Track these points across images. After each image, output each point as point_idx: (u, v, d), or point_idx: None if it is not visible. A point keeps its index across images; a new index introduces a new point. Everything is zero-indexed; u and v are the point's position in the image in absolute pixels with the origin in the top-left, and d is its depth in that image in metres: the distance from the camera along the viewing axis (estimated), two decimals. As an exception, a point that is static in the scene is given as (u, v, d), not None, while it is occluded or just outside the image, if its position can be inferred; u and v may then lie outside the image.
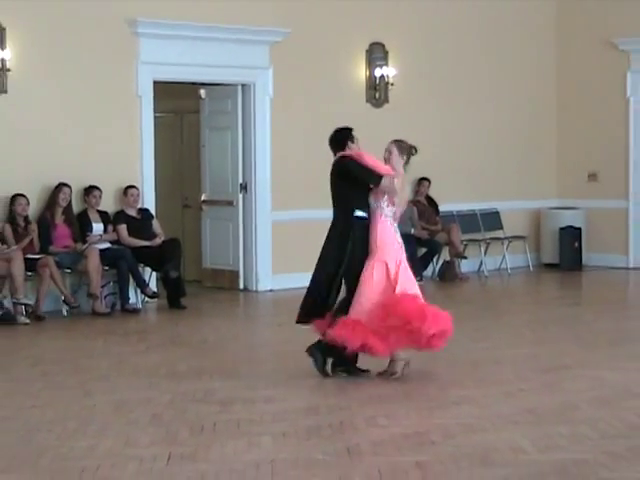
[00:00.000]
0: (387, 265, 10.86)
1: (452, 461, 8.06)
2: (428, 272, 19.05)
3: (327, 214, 17.93)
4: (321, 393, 10.42)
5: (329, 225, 17.20)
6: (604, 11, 20.64)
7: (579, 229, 20.63)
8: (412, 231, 18.59)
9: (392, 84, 18.97)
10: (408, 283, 10.95)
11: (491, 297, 18.10)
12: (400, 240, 11.08)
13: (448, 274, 19.17)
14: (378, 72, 18.88)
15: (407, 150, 11.35)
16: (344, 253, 11.03)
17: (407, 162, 11.31)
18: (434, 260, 19.19)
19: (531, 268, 20.57)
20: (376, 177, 10.95)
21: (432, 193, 19.34)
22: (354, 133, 11.77)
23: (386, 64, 18.95)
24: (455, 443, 8.57)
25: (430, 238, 18.88)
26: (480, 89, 20.20)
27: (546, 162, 21.26)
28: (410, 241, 18.41)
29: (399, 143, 11.45)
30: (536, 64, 21.03)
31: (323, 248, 11.47)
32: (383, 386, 10.65)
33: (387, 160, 11.25)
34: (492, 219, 20.38)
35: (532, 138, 21.04)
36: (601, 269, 20.52)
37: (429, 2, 19.40)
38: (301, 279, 17.73)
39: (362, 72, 18.86)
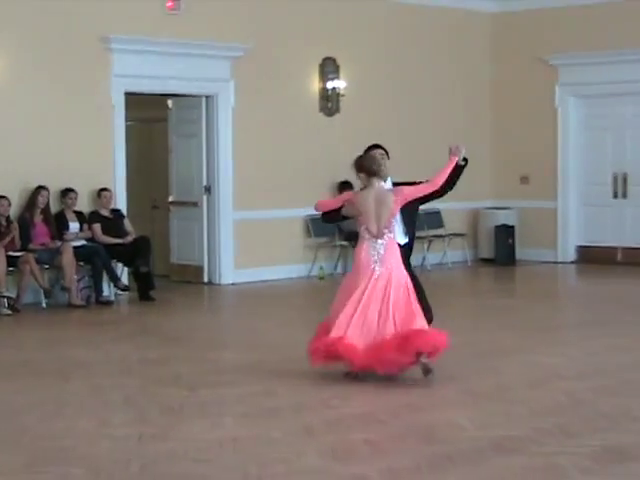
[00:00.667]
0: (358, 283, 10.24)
1: (398, 438, 8.10)
2: (376, 266, 19.05)
3: (284, 213, 18.16)
4: (279, 378, 10.40)
5: (287, 223, 17.44)
6: (535, 30, 20.74)
7: (512, 227, 20.73)
8: (361, 229, 18.63)
9: (343, 95, 19.01)
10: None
11: (433, 289, 18.05)
12: (375, 259, 10.22)
13: (394, 268, 19.18)
14: (330, 84, 18.91)
15: (362, 166, 10.46)
16: None
17: (371, 174, 10.37)
18: (381, 256, 19.20)
19: (469, 263, 20.65)
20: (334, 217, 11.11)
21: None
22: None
23: (337, 77, 18.99)
24: (401, 422, 8.60)
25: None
26: (422, 100, 20.25)
27: (482, 167, 21.31)
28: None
29: (354, 161, 10.55)
30: (473, 77, 21.10)
31: None
32: (336, 370, 10.66)
33: None
34: (434, 218, 20.40)
35: (469, 145, 20.92)
36: (532, 263, 20.62)
37: (376, 21, 19.42)
38: (261, 273, 17.89)
39: (315, 84, 18.87)
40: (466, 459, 7.49)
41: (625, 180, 20.28)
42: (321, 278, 18.36)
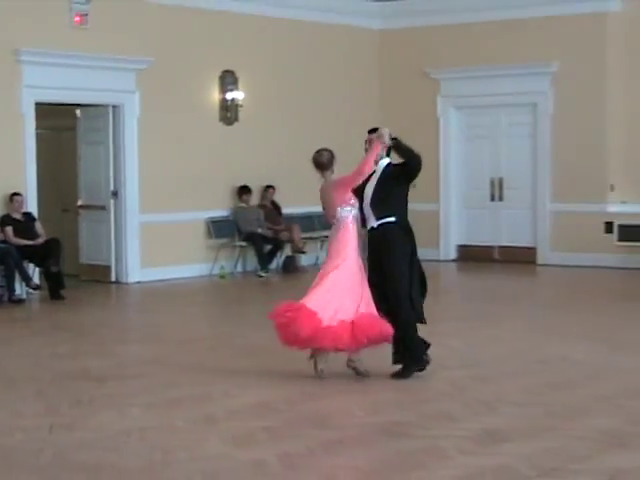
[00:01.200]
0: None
1: (294, 425, 8.11)
2: (273, 265, 19.07)
3: (187, 216, 18.09)
4: (182, 370, 10.36)
5: (189, 225, 17.27)
6: (418, 46, 20.92)
7: (399, 228, 20.84)
8: (259, 231, 18.66)
9: (241, 105, 18.99)
10: None
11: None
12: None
13: (290, 267, 19.22)
14: (229, 95, 18.88)
15: (314, 163, 10.56)
16: None
17: (319, 168, 10.58)
18: (278, 255, 19.23)
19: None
20: None
21: (276, 198, 19.38)
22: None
23: (236, 88, 18.97)
24: (297, 410, 8.62)
25: (275, 236, 18.92)
26: (316, 110, 20.30)
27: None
28: (257, 239, 18.55)
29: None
30: (361, 89, 21.20)
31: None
32: (236, 362, 10.65)
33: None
34: (309, 222, 20.37)
35: (360, 152, 21.13)
36: (418, 261, 20.74)
37: (272, 37, 19.44)
38: (165, 272, 17.78)
39: (216, 95, 18.83)
40: (357, 443, 7.54)
41: (501, 184, 20.53)
42: (222, 277, 18.31)
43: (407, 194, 10.05)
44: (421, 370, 9.73)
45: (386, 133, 10.09)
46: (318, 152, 10.44)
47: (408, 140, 20.37)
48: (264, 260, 18.61)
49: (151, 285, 17.25)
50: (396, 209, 9.94)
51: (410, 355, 9.72)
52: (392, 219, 9.90)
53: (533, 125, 20.13)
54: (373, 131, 10.40)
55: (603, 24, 19.23)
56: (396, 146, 10.09)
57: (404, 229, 9.99)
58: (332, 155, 10.49)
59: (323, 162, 10.37)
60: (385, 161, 10.16)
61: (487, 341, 11.84)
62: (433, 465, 6.99)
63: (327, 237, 19.79)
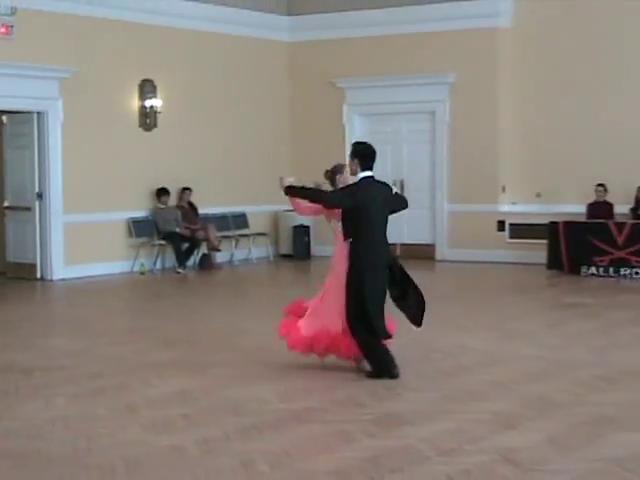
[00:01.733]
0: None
1: (211, 412, 8.08)
2: (190, 262, 18.98)
3: (109, 216, 17.92)
4: (105, 361, 10.27)
5: (111, 225, 17.08)
6: (325, 57, 20.99)
7: (308, 227, 20.90)
8: (177, 230, 18.57)
9: (160, 112, 18.87)
10: None
11: (240, 281, 18.19)
12: None
13: (206, 264, 19.15)
14: (148, 103, 18.74)
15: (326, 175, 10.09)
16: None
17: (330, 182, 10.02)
18: (195, 253, 19.14)
19: (271, 258, 20.74)
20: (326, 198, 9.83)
21: (193, 199, 19.29)
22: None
23: (155, 96, 18.84)
24: (213, 398, 8.59)
25: (191, 235, 18.83)
26: (229, 116, 20.25)
27: (282, 174, 21.40)
28: (175, 238, 18.45)
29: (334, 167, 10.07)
30: (273, 97, 21.20)
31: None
32: (155, 353, 10.58)
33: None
34: (240, 220, 20.46)
35: (271, 156, 21.23)
36: (325, 258, 20.78)
37: (188, 48, 19.36)
38: (88, 269, 17.61)
39: (135, 102, 18.67)
40: (270, 428, 7.53)
41: (402, 186, 20.64)
42: (142, 273, 18.18)
43: None
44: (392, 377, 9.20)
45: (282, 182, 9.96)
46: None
47: (318, 144, 20.48)
48: (182, 257, 18.54)
49: (75, 282, 17.06)
50: None
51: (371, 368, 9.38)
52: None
53: (432, 131, 20.29)
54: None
55: (494, 39, 19.46)
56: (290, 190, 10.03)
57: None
58: (331, 172, 10.10)
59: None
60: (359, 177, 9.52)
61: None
62: (341, 448, 7.02)
63: (242, 236, 20.04)
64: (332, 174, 10.02)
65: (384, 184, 9.67)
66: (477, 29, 19.45)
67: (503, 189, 19.66)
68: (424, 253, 20.25)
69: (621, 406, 8.18)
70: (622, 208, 18.03)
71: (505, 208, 19.61)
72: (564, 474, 6.38)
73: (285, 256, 20.96)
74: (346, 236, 9.43)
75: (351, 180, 9.63)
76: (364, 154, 9.51)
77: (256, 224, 20.66)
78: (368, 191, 9.36)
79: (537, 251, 18.21)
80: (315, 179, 10.18)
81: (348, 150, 21.69)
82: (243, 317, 13.32)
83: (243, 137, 20.60)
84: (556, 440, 7.17)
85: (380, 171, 20.78)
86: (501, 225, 19.53)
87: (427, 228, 20.44)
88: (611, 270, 16.99)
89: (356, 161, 9.50)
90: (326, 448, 7.02)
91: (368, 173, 9.46)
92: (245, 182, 20.53)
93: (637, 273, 16.74)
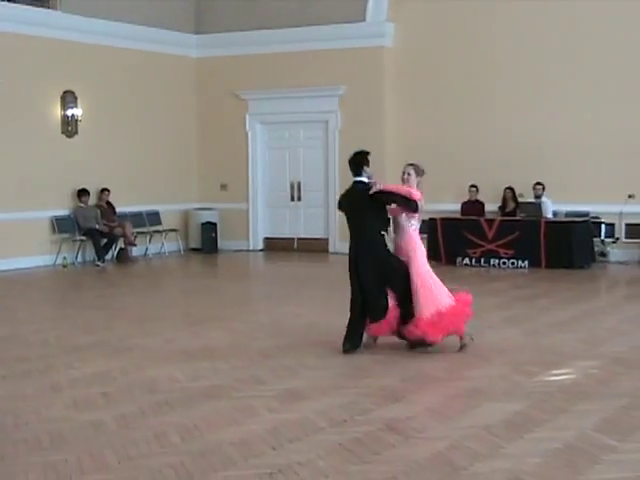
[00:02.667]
0: (429, 269, 9.60)
1: (127, 390, 8.01)
2: (108, 256, 18.76)
3: (33, 215, 17.64)
4: (31, 346, 10.11)
5: (36, 222, 16.79)
6: (230, 71, 20.91)
7: (215, 224, 20.83)
8: (96, 227, 18.35)
9: (80, 120, 18.61)
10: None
11: (154, 273, 18.04)
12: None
13: (123, 257, 18.94)
14: (70, 112, 18.47)
15: (421, 172, 9.75)
16: (384, 263, 9.43)
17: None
18: (113, 247, 18.93)
19: (182, 252, 20.61)
20: (414, 204, 9.41)
21: (110, 199, 19.06)
22: (370, 157, 9.61)
23: (76, 106, 18.57)
24: (130, 378, 8.52)
25: (110, 232, 18.62)
26: (143, 124, 20.08)
27: (191, 176, 21.36)
28: (95, 234, 18.22)
29: (416, 167, 9.74)
30: (182, 108, 21.06)
31: (361, 262, 9.44)
32: (77, 338, 10.44)
33: (405, 181, 9.66)
34: (154, 217, 20.29)
35: (182, 160, 21.11)
36: (231, 252, 20.80)
37: (105, 62, 19.13)
38: (14, 263, 17.29)
39: (58, 111, 18.37)
40: (181, 404, 7.51)
41: (299, 187, 20.72)
42: (64, 266, 17.91)
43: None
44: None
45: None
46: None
47: (223, 151, 20.37)
48: (101, 252, 18.31)
49: (1, 274, 16.73)
50: None
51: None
52: None
53: (325, 138, 20.37)
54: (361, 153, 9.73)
55: (380, 56, 19.61)
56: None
57: None
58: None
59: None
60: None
61: (289, 317, 11.93)
62: (245, 421, 7.03)
63: (156, 232, 19.87)
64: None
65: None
66: (365, 48, 19.58)
67: (388, 190, 19.79)
68: (319, 246, 20.34)
69: (491, 379, 8.33)
70: (492, 206, 18.36)
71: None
72: (441, 440, 6.48)
73: (194, 250, 20.85)
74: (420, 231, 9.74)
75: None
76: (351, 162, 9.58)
77: (168, 221, 20.53)
78: None
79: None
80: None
81: (251, 156, 21.98)
82: (158, 305, 13.24)
83: (156, 143, 20.44)
84: (434, 410, 7.28)
85: (279, 173, 21.08)
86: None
87: (321, 224, 20.52)
88: (482, 261, 17.27)
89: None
90: (232, 421, 7.02)
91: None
92: (158, 183, 20.38)
93: (504, 263, 17.05)
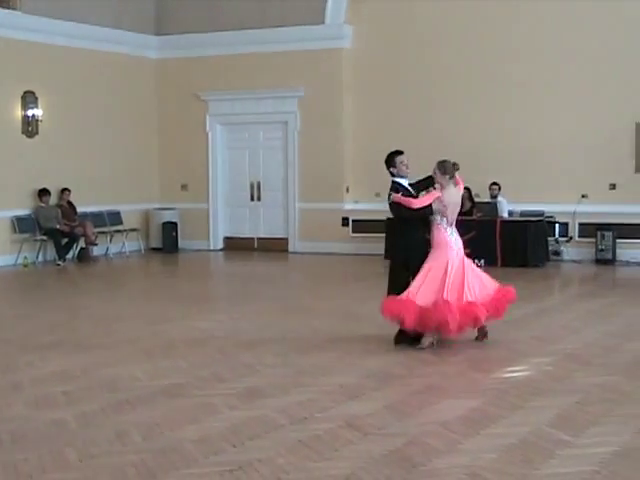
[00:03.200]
0: (447, 263, 9.60)
1: (89, 389, 7.96)
2: (69, 256, 18.61)
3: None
4: (-9, 345, 10.03)
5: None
6: (190, 73, 20.86)
7: (176, 223, 20.75)
8: (57, 226, 18.20)
9: (41, 121, 18.45)
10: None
11: (115, 273, 17.93)
12: (455, 242, 9.77)
13: (84, 257, 18.80)
14: (30, 112, 18.30)
15: (450, 169, 9.85)
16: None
17: (452, 176, 9.85)
18: (74, 247, 18.79)
19: (143, 251, 20.51)
20: (428, 210, 9.72)
21: (71, 199, 18.91)
22: (397, 158, 10.04)
23: (36, 106, 18.40)
24: (91, 376, 8.46)
25: (70, 231, 18.48)
26: (103, 125, 19.96)
27: (152, 177, 21.26)
28: (56, 234, 18.08)
29: (441, 164, 9.90)
30: (143, 109, 20.96)
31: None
32: (39, 337, 10.35)
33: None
34: (115, 217, 20.17)
35: (143, 160, 21.00)
36: (191, 251, 20.73)
37: (66, 63, 18.99)
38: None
39: (19, 112, 18.19)
40: (142, 403, 7.47)
41: (259, 187, 20.69)
42: (25, 266, 17.75)
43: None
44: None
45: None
46: (452, 163, 9.94)
47: (184, 151, 20.36)
48: (61, 251, 18.18)
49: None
50: None
51: None
52: None
53: (284, 139, 20.35)
54: (397, 153, 10.21)
55: (339, 58, 19.64)
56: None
57: None
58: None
59: (453, 173, 9.92)
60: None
61: (249, 315, 11.90)
62: (206, 419, 7.01)
63: (117, 231, 19.74)
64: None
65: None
66: (323, 49, 19.61)
67: (347, 189, 19.87)
68: (278, 246, 20.33)
69: (448, 376, 8.38)
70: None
71: (349, 206, 19.83)
72: (400, 436, 6.50)
73: (155, 249, 20.75)
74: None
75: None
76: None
77: (129, 221, 20.41)
78: None
79: (376, 244, 18.44)
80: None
81: (211, 156, 22.03)
82: (119, 304, 13.16)
83: (116, 144, 20.32)
84: (393, 407, 7.30)
85: (239, 174, 21.06)
86: (345, 221, 19.75)
87: (281, 224, 20.51)
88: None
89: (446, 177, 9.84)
90: (192, 419, 7.00)
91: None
92: (119, 183, 20.26)
93: (461, 262, 17.10)
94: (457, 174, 9.97)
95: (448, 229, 9.81)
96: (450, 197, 9.82)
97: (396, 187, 9.92)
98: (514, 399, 7.50)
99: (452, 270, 9.58)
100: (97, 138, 19.82)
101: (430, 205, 9.76)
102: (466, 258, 9.86)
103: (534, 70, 18.24)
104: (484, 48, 18.59)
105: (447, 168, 9.85)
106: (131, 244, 20.35)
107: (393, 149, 10.44)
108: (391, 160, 10.09)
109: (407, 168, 10.04)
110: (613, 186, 17.79)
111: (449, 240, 9.77)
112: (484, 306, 9.59)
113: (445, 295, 9.42)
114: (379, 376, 8.41)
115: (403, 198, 9.78)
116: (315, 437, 6.49)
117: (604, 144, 17.76)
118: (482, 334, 9.90)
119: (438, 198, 9.78)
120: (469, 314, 9.49)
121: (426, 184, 10.12)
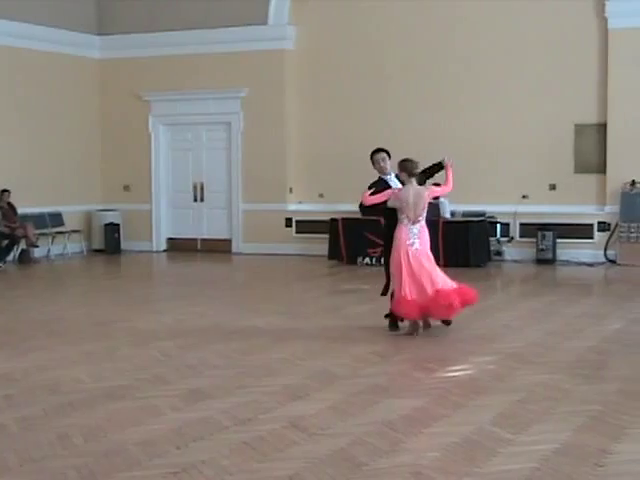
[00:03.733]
0: (402, 256, 10.07)
1: (30, 392, 7.85)
2: (10, 258, 18.37)
3: None
4: None
5: None
6: (133, 73, 20.73)
7: (118, 224, 20.59)
8: (-3, 228, 18.01)
9: (-20, 121, 18.26)
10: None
11: (57, 274, 17.73)
12: (412, 238, 10.10)
13: (25, 259, 18.58)
14: (-31, 112, 18.10)
15: (409, 167, 10.23)
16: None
17: (412, 175, 10.22)
18: (14, 249, 18.54)
19: (85, 253, 20.32)
20: (362, 206, 10.54)
21: (12, 200, 18.65)
22: (373, 156, 10.70)
23: (-24, 106, 18.22)
24: (33, 379, 8.36)
25: (11, 233, 18.23)
26: (45, 125, 19.76)
27: (94, 178, 21.07)
28: (-4, 235, 17.83)
29: (401, 163, 10.33)
30: (85, 109, 20.78)
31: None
32: (-23, 341, 10.23)
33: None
34: (56, 218, 19.95)
35: (85, 161, 20.81)
36: (134, 252, 20.59)
37: (8, 63, 18.78)
38: None
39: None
40: (84, 405, 7.39)
41: (202, 188, 20.61)
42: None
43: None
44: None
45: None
46: (412, 162, 10.30)
47: (126, 152, 20.19)
48: (2, 253, 17.94)
49: None
50: None
51: None
52: None
53: (228, 140, 20.30)
54: (379, 151, 10.82)
55: (282, 59, 19.65)
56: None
57: None
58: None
59: (414, 171, 10.31)
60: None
61: (192, 316, 11.85)
62: (149, 421, 6.96)
63: (58, 233, 19.53)
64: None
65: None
66: (267, 50, 19.60)
67: (290, 190, 19.87)
68: (222, 247, 20.28)
69: (391, 376, 8.41)
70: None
71: (292, 207, 19.84)
72: (344, 436, 6.51)
73: (97, 251, 20.57)
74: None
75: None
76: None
77: (71, 222, 20.20)
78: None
79: (320, 244, 18.48)
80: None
81: (154, 157, 21.88)
82: (60, 306, 13.02)
83: (58, 144, 20.10)
84: (337, 407, 7.31)
85: (182, 174, 20.98)
86: (289, 222, 19.75)
87: (224, 225, 20.45)
88: (382, 260, 17.34)
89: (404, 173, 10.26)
90: (136, 421, 6.94)
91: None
92: (60, 184, 20.05)
93: (404, 262, 17.20)
94: (429, 182, 10.59)
95: (409, 226, 10.11)
96: (408, 195, 10.10)
97: (374, 183, 10.51)
98: (457, 398, 7.55)
99: (405, 266, 10.04)
100: (38, 139, 19.59)
101: (380, 204, 10.17)
102: (424, 256, 10.14)
103: (476, 72, 18.40)
104: (427, 49, 18.72)
105: (406, 167, 10.22)
106: (73, 246, 20.14)
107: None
108: (371, 158, 10.69)
109: (380, 165, 10.60)
110: (553, 187, 18.02)
111: (405, 237, 10.10)
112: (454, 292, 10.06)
113: (405, 292, 10.01)
114: (323, 376, 8.42)
115: (365, 194, 10.30)
116: (259, 438, 6.48)
117: (544, 145, 17.99)
118: (427, 324, 10.37)
119: (394, 194, 10.13)
120: (442, 300, 9.94)
121: (431, 171, 10.71)
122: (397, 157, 10.59)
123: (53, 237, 19.66)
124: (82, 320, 11.75)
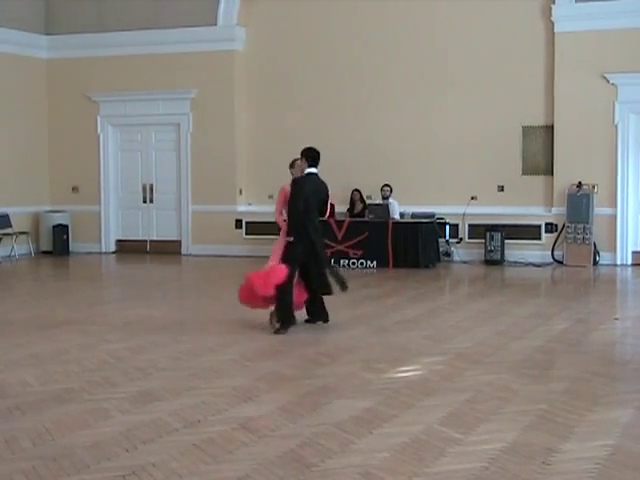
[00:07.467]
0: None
1: (-24, 396, 7.76)
2: (-44, 259, 18.19)
3: None
4: None
5: None
6: (81, 74, 20.64)
7: (67, 226, 20.44)
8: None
9: None
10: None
11: (4, 277, 17.52)
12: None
13: (-29, 260, 18.42)
14: None
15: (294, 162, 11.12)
16: None
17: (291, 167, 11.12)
18: (-40, 250, 18.36)
19: (33, 255, 20.12)
20: None
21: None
22: (298, 160, 11.12)
23: None
24: (-22, 383, 8.26)
25: (-43, 234, 18.05)
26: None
27: (42, 179, 20.89)
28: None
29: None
30: (33, 109, 20.63)
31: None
32: None
33: None
34: (3, 219, 19.73)
35: (33, 162, 20.62)
36: (82, 254, 20.43)
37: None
38: None
39: None
40: (32, 408, 7.31)
41: (152, 189, 20.52)
42: None
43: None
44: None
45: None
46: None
47: (75, 153, 20.02)
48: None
49: None
50: None
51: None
52: None
53: (177, 141, 20.23)
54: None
55: (231, 60, 19.63)
56: None
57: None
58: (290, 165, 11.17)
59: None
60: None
61: (141, 318, 11.77)
62: (98, 423, 6.90)
63: (5, 234, 19.30)
64: (290, 167, 11.19)
65: (323, 183, 11.12)
66: (216, 51, 19.59)
67: (240, 192, 19.85)
68: (172, 248, 20.20)
69: (341, 377, 8.43)
70: (341, 208, 18.58)
71: (242, 208, 19.81)
72: (294, 437, 6.51)
73: (45, 253, 20.39)
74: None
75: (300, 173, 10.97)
76: (311, 156, 10.86)
77: (18, 223, 19.99)
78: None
79: (270, 246, 18.35)
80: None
81: (102, 158, 21.70)
82: (8, 308, 12.86)
83: (5, 145, 19.90)
84: (287, 409, 7.31)
85: (131, 176, 20.87)
86: (239, 223, 19.72)
87: (174, 226, 20.37)
88: (332, 261, 17.39)
89: (304, 160, 10.85)
90: (84, 424, 6.88)
91: (313, 170, 10.92)
92: (7, 185, 19.85)
93: (354, 263, 17.28)
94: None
95: None
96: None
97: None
98: (406, 398, 7.59)
99: None
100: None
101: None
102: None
103: (424, 73, 18.53)
104: (376, 51, 18.82)
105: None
106: (20, 247, 19.94)
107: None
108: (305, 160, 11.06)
109: (293, 169, 11.20)
110: (501, 188, 18.18)
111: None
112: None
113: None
114: (272, 378, 8.42)
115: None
116: (209, 440, 6.46)
117: (492, 147, 18.15)
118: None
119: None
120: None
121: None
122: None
123: (17, 237, 19.46)
124: (29, 322, 11.61)
